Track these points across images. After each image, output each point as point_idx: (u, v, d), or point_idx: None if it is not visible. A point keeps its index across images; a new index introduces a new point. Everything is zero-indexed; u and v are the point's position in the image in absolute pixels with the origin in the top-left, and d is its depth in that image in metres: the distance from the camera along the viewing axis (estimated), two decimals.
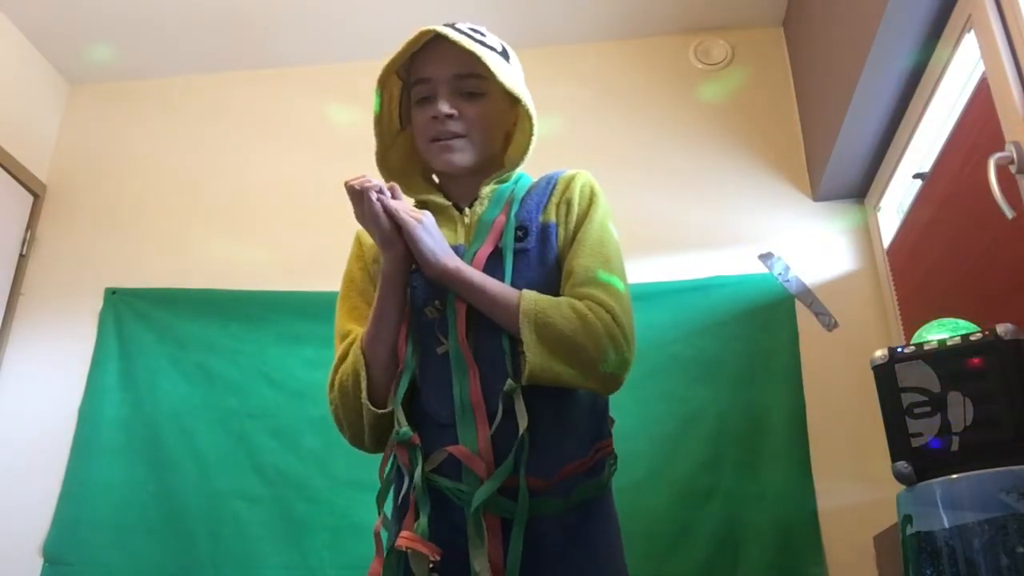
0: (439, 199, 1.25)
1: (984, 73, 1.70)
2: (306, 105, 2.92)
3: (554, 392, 1.09)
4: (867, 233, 2.50)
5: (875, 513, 1.94)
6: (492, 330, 1.11)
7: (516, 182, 1.26)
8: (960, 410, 1.21)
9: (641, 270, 2.48)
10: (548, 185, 1.25)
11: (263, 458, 2.38)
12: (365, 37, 2.87)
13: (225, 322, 2.58)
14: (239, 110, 2.96)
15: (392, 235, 1.11)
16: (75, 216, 2.87)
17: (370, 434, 1.13)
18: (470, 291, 1.11)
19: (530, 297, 1.09)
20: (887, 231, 2.40)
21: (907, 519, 1.24)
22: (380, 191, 1.10)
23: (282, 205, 2.78)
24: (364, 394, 1.11)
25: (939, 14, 1.87)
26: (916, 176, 2.19)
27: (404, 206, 1.12)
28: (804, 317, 2.39)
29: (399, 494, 1.10)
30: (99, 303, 2.68)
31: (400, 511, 1.09)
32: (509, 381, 1.07)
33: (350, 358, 1.15)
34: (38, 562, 2.35)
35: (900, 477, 1.26)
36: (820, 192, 2.52)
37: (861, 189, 2.50)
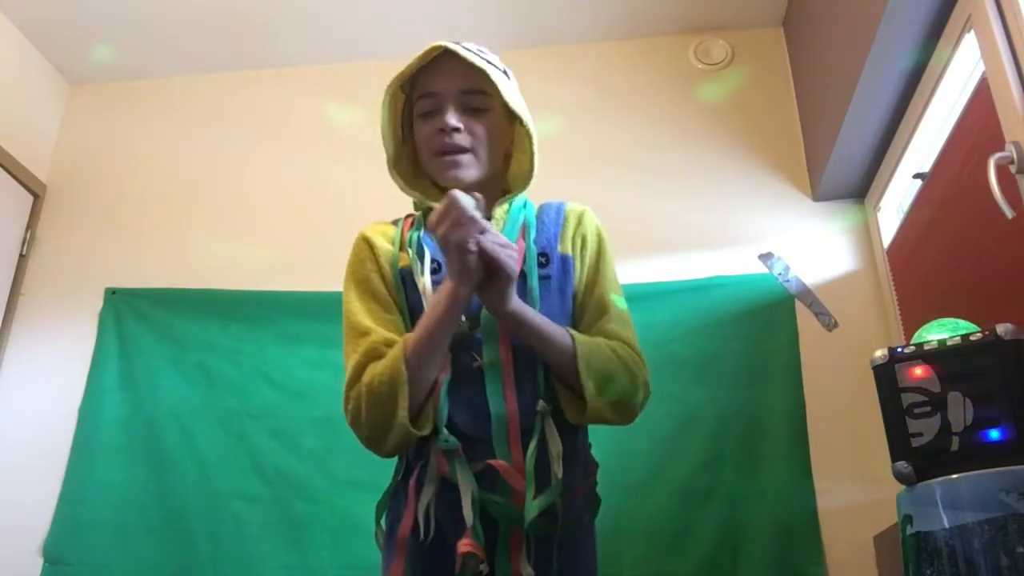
0: None
1: (984, 73, 1.70)
2: (306, 105, 2.92)
3: (566, 419, 1.16)
4: (867, 233, 2.50)
5: (875, 513, 1.94)
6: (522, 350, 1.16)
7: (524, 206, 1.29)
8: (960, 410, 1.21)
9: (641, 270, 2.48)
10: (559, 216, 1.29)
11: (263, 458, 2.38)
12: (365, 37, 2.87)
13: (225, 322, 2.58)
14: (239, 110, 2.96)
15: (475, 271, 1.08)
16: (75, 216, 2.87)
17: (394, 443, 1.12)
18: (529, 331, 1.13)
19: (582, 342, 1.14)
20: (887, 231, 2.40)
21: (907, 519, 1.24)
22: (483, 231, 1.07)
23: (282, 205, 2.78)
24: (407, 415, 1.10)
25: (939, 14, 1.87)
26: (916, 176, 2.19)
27: (499, 248, 1.08)
28: (804, 317, 2.39)
29: (418, 495, 1.13)
30: (99, 303, 2.68)
31: (427, 516, 1.12)
32: (542, 402, 1.13)
33: (388, 367, 1.12)
34: (38, 562, 2.34)
35: (900, 477, 1.26)
36: (820, 192, 2.52)
37: (861, 189, 2.50)
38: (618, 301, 1.24)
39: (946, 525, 1.14)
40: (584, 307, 1.22)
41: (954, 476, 1.17)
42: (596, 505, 1.25)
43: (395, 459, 1.22)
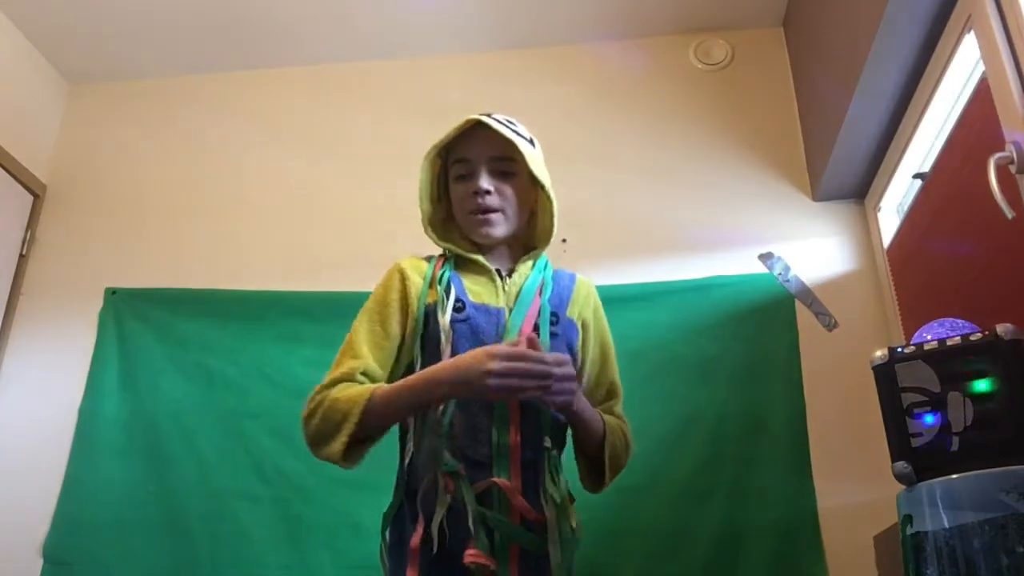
0: (484, 261, 1.41)
1: (984, 73, 1.70)
2: (306, 105, 2.92)
3: (559, 452, 1.34)
4: (867, 233, 2.50)
5: (875, 513, 1.94)
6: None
7: (544, 267, 1.46)
8: (960, 410, 1.21)
9: (641, 270, 2.48)
10: (571, 283, 1.46)
11: (263, 458, 2.38)
12: (365, 37, 2.87)
13: (225, 322, 2.58)
14: (239, 110, 2.96)
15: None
16: (75, 216, 2.87)
17: (325, 456, 1.25)
18: (578, 420, 1.32)
19: (609, 429, 1.36)
20: (887, 231, 2.40)
21: (907, 519, 1.24)
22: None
23: (282, 205, 2.78)
24: (341, 449, 1.23)
25: (939, 14, 1.87)
26: (916, 176, 2.19)
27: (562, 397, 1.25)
28: (804, 317, 2.39)
29: (429, 514, 1.23)
30: (99, 303, 2.68)
31: (440, 531, 1.21)
32: (547, 439, 1.29)
33: (352, 398, 1.24)
34: (38, 562, 2.34)
35: (900, 477, 1.26)
36: (820, 192, 2.52)
37: (861, 189, 2.50)
38: (618, 381, 1.47)
39: (946, 525, 1.14)
40: (596, 384, 1.43)
41: (954, 476, 1.17)
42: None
43: (395, 462, 1.34)
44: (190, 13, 2.78)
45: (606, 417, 1.38)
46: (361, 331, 1.33)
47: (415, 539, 1.22)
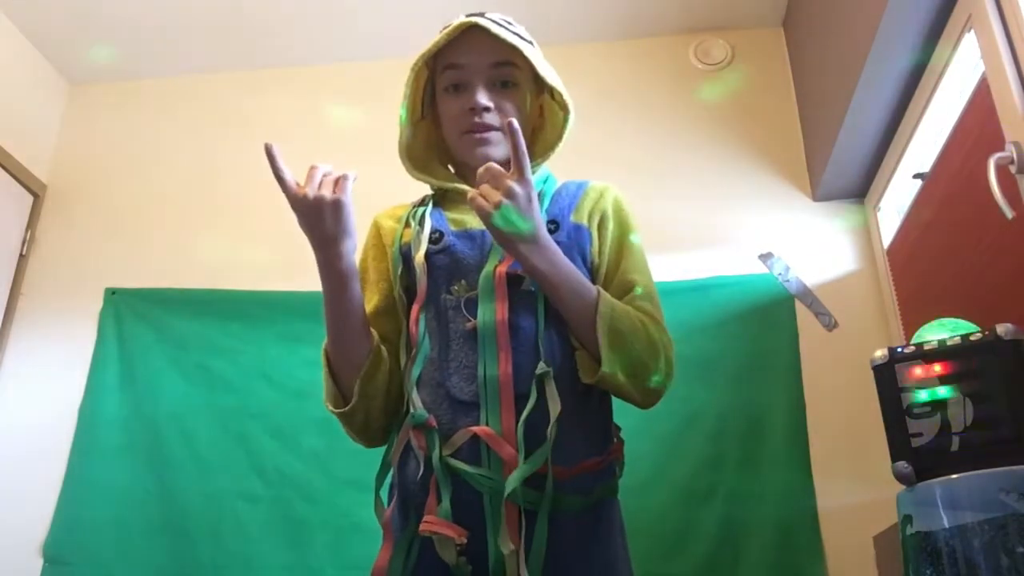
0: (466, 188, 1.20)
1: (984, 73, 1.70)
2: (306, 105, 2.92)
3: (574, 386, 1.08)
4: (867, 233, 2.50)
5: (875, 513, 1.93)
6: (524, 311, 1.09)
7: (544, 181, 1.25)
8: (960, 410, 1.21)
9: None
10: (579, 189, 1.24)
11: (263, 458, 2.38)
12: (365, 37, 2.87)
13: (225, 322, 2.58)
14: (239, 110, 2.96)
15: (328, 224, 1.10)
16: (75, 216, 2.87)
17: (356, 432, 1.14)
18: (552, 282, 1.06)
19: (607, 300, 1.07)
20: (887, 231, 2.40)
21: (907, 519, 1.24)
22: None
23: (282, 205, 2.75)
24: (331, 406, 1.12)
25: (939, 14, 1.87)
26: (916, 176, 2.19)
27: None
28: (804, 317, 2.39)
29: (408, 479, 1.07)
30: (99, 303, 2.68)
31: (413, 496, 1.06)
32: (542, 364, 1.05)
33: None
34: (38, 562, 2.34)
35: (900, 477, 1.26)
36: (820, 192, 2.52)
37: (861, 189, 2.50)
38: (645, 279, 1.17)
39: (946, 525, 1.14)
40: (607, 285, 1.15)
41: (954, 476, 1.17)
42: (612, 486, 1.12)
43: None
44: (190, 14, 2.78)
45: (606, 294, 1.09)
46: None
47: (388, 510, 1.08)
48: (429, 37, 1.27)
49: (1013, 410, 1.18)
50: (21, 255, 2.78)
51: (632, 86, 2.81)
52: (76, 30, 2.85)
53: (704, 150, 2.68)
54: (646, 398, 1.09)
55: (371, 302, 1.20)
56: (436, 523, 0.99)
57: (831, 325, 2.38)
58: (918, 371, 1.25)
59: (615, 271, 1.17)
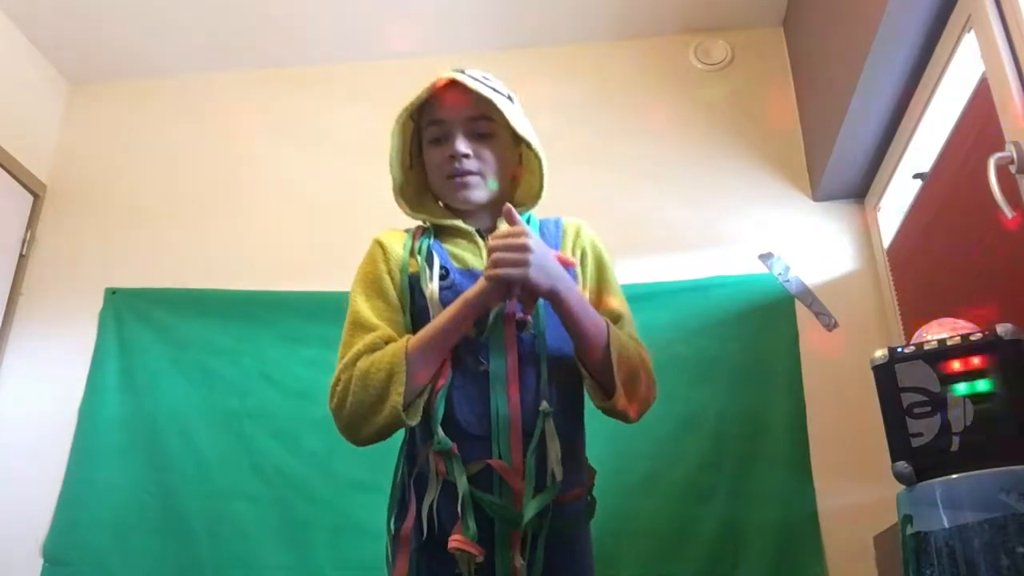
0: (462, 224, 1.33)
1: (984, 73, 1.70)
2: (306, 105, 2.92)
3: (568, 423, 1.22)
4: (867, 233, 2.50)
5: (875, 513, 1.94)
6: (530, 356, 1.22)
7: (528, 221, 1.36)
8: (960, 410, 1.21)
9: (641, 270, 2.48)
10: (557, 230, 1.37)
11: (263, 458, 2.38)
12: (366, 37, 2.87)
13: (225, 322, 2.58)
14: (239, 110, 2.96)
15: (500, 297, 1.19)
16: (75, 216, 2.87)
17: (374, 429, 1.17)
18: (568, 313, 1.19)
19: (616, 334, 1.21)
20: (887, 231, 2.40)
21: (907, 519, 1.24)
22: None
23: (283, 205, 2.78)
24: (400, 400, 1.14)
25: (939, 14, 1.87)
26: (916, 176, 2.19)
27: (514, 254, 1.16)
28: (804, 317, 2.39)
29: (422, 498, 1.18)
30: (99, 303, 2.68)
31: (431, 515, 1.16)
32: (545, 403, 1.18)
33: (387, 355, 1.17)
34: (38, 562, 2.34)
35: (900, 477, 1.26)
36: (820, 192, 2.52)
37: (861, 189, 2.50)
38: (624, 306, 1.32)
39: (946, 525, 1.14)
40: (612, 314, 1.29)
41: (954, 476, 1.17)
42: (591, 510, 1.28)
43: (394, 462, 1.28)
44: (190, 13, 2.78)
45: (615, 328, 1.24)
46: (364, 307, 1.25)
47: (406, 525, 1.18)
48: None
49: (1013, 410, 1.18)
50: (21, 255, 2.78)
51: (632, 86, 2.81)
52: (76, 30, 2.85)
53: (704, 150, 2.67)
54: (637, 417, 1.24)
55: (397, 312, 1.27)
56: (463, 542, 1.12)
57: (831, 325, 2.38)
58: (956, 364, 1.25)
59: (597, 301, 1.30)
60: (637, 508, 2.17)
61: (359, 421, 1.17)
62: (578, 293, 1.21)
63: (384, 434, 1.18)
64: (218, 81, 3.02)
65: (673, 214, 2.58)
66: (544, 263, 1.15)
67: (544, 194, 1.37)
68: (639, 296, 2.44)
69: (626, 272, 2.51)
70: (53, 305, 2.72)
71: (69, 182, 2.93)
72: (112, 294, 2.68)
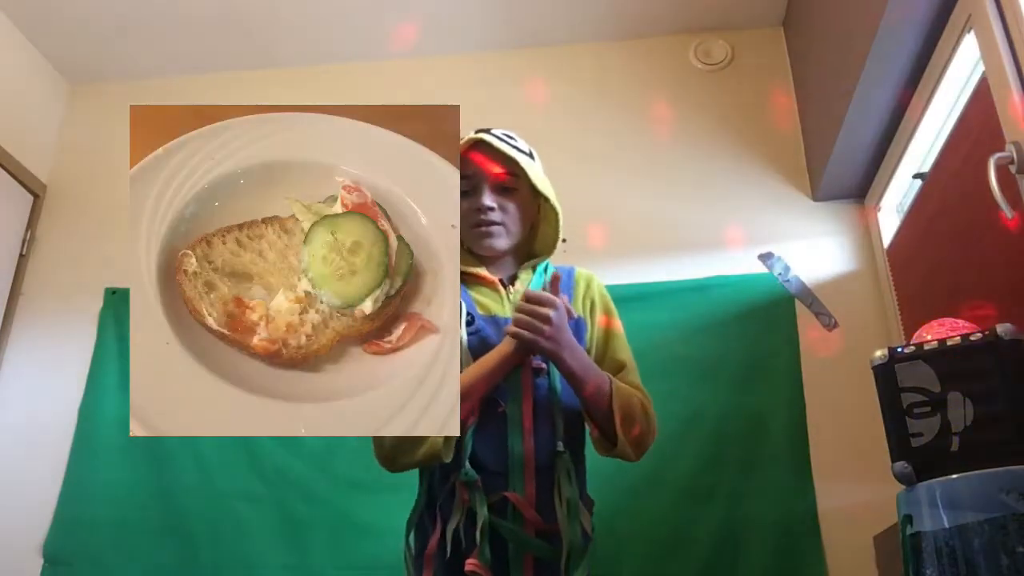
0: (486, 273, 1.45)
1: (984, 73, 1.70)
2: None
3: (574, 461, 1.34)
4: (867, 233, 2.50)
5: (875, 513, 1.94)
6: (541, 399, 1.34)
7: (545, 270, 1.50)
8: (960, 410, 1.21)
9: (641, 270, 2.48)
10: (569, 279, 1.50)
11: (263, 458, 2.38)
12: (365, 37, 2.87)
13: None
14: None
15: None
16: (75, 216, 2.87)
17: (410, 462, 1.28)
18: (573, 377, 1.32)
19: (618, 387, 1.34)
20: (887, 231, 2.40)
21: (907, 519, 1.24)
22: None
23: None
24: (442, 440, 1.25)
25: (939, 14, 1.87)
26: (916, 176, 2.20)
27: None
28: (804, 317, 2.39)
29: (445, 524, 1.28)
30: (99, 303, 2.68)
31: (455, 538, 1.26)
32: (560, 444, 1.31)
33: None
34: (38, 562, 2.34)
35: (900, 477, 1.26)
36: (820, 192, 2.52)
37: (861, 189, 2.50)
38: (629, 357, 1.45)
39: (946, 525, 1.14)
40: (600, 363, 1.40)
41: (954, 476, 1.17)
42: (590, 538, 1.35)
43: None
44: (190, 13, 2.78)
45: (619, 383, 1.36)
46: None
47: (431, 545, 1.28)
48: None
49: (1013, 410, 1.18)
50: (21, 255, 2.78)
51: (632, 86, 2.81)
52: (76, 30, 2.85)
53: (704, 150, 2.68)
54: (638, 458, 1.37)
55: None
56: (477, 566, 1.22)
57: (831, 325, 2.38)
58: (956, 364, 1.25)
59: (604, 352, 1.44)
60: (637, 509, 2.17)
61: (399, 454, 1.27)
62: (582, 358, 1.32)
63: (420, 466, 1.30)
64: (219, 81, 3.01)
65: (673, 214, 2.58)
66: (558, 335, 1.28)
67: (560, 242, 1.50)
68: (639, 296, 2.46)
69: (626, 272, 2.54)
70: (53, 305, 2.72)
71: (69, 182, 2.93)
72: (112, 294, 2.68)
